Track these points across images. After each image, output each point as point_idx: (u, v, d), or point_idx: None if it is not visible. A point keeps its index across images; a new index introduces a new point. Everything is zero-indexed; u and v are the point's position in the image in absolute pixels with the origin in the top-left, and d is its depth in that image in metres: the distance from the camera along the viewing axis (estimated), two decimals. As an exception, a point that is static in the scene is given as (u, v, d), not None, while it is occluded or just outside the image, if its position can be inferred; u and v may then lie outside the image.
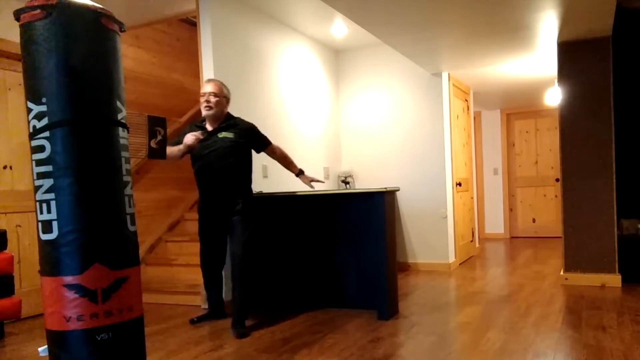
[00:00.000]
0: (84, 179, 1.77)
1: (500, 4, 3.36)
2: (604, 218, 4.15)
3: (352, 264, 3.56)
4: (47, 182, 1.76)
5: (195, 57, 5.30)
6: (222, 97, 3.28)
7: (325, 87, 5.55)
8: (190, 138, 3.23)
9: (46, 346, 2.02)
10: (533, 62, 5.00)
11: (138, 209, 4.82)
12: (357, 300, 3.57)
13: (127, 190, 1.92)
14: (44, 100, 1.75)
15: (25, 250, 3.82)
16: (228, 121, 3.32)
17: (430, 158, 5.27)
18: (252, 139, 3.39)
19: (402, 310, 3.56)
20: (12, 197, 3.77)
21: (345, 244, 3.58)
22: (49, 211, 1.75)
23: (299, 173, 3.63)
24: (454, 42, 4.23)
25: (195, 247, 3.92)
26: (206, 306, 3.61)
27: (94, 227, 1.78)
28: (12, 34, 3.73)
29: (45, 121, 1.75)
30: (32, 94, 1.77)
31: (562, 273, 4.31)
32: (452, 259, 5.29)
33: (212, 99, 3.23)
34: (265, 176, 4.38)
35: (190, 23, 5.72)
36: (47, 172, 1.76)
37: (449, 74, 5.32)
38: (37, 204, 1.78)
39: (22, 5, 2.04)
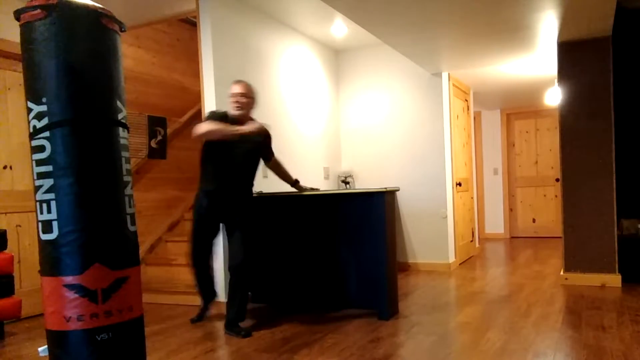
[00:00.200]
0: (84, 179, 1.77)
1: (500, 4, 3.36)
2: (604, 218, 4.15)
3: (352, 264, 3.56)
4: (48, 182, 1.76)
5: (195, 57, 5.30)
6: (251, 98, 3.31)
7: (325, 87, 5.55)
8: (248, 129, 3.17)
9: (46, 346, 2.02)
10: (533, 62, 5.00)
11: (138, 209, 4.82)
12: (357, 300, 3.57)
13: (127, 190, 1.92)
14: (44, 100, 1.75)
15: (25, 250, 3.82)
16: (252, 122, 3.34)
17: (430, 158, 5.27)
18: (266, 145, 3.46)
19: (402, 310, 3.56)
20: (12, 197, 3.77)
21: (346, 244, 3.58)
22: (49, 211, 1.75)
23: (295, 182, 3.65)
24: (454, 42, 4.23)
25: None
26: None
27: (94, 227, 1.78)
28: (12, 34, 3.73)
29: (45, 121, 1.75)
30: (32, 94, 1.77)
31: (562, 273, 4.31)
32: (452, 259, 5.29)
33: (243, 100, 3.25)
34: (265, 176, 4.38)
35: (190, 23, 5.72)
36: (47, 172, 1.76)
37: (449, 74, 5.32)
38: (37, 204, 1.78)
39: (22, 5, 2.04)
